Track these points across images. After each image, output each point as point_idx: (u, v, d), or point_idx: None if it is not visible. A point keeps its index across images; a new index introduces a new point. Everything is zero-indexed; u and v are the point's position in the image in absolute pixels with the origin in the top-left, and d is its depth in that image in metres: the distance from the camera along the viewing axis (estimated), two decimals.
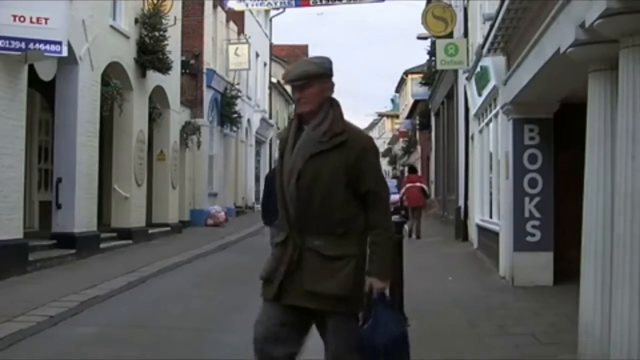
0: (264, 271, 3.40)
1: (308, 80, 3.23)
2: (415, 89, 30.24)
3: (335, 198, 3.20)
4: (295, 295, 3.25)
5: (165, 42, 16.01)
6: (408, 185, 17.97)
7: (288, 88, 42.94)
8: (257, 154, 32.94)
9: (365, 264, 3.28)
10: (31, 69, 10.80)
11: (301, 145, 3.25)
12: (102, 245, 13.29)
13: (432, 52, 20.27)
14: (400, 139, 43.82)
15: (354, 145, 3.23)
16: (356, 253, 3.24)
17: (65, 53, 10.78)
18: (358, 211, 3.26)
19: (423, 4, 21.14)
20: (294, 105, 3.44)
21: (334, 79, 3.36)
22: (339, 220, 3.21)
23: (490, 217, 12.15)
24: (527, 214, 9.20)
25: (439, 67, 16.42)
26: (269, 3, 20.66)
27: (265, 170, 29.21)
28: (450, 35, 16.22)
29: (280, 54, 42.87)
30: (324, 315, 3.28)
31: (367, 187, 3.25)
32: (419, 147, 34.52)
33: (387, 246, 3.32)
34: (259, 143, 32.18)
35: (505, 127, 9.74)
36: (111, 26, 14.16)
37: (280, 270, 3.28)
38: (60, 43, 10.55)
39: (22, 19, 10.10)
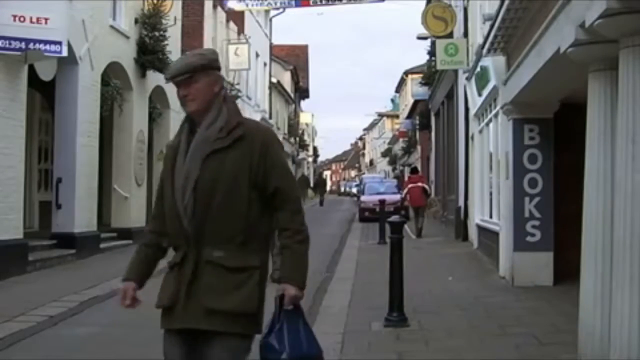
0: (163, 298, 2.93)
1: (192, 74, 2.88)
2: (415, 89, 30.22)
3: (237, 202, 2.83)
4: (192, 317, 2.83)
5: (165, 42, 16.01)
6: (410, 185, 18.64)
7: (288, 86, 43.06)
8: None
9: (266, 278, 2.94)
10: (31, 69, 10.81)
11: (195, 148, 2.87)
12: (102, 245, 13.30)
13: (432, 52, 20.27)
14: (400, 139, 43.83)
15: (254, 140, 2.88)
16: (258, 264, 2.89)
17: (65, 53, 10.80)
18: (262, 215, 2.89)
19: (423, 4, 21.14)
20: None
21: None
22: (240, 227, 2.83)
23: (490, 217, 12.15)
24: (527, 214, 9.20)
25: (439, 67, 16.42)
26: (269, 3, 20.66)
27: None
28: (450, 35, 16.22)
29: (280, 54, 42.91)
30: (212, 337, 2.83)
31: (274, 185, 2.89)
32: (419, 147, 34.52)
33: (300, 250, 2.92)
34: None
35: (505, 127, 9.74)
36: (111, 26, 14.17)
37: (182, 292, 2.85)
38: (60, 43, 10.57)
39: (22, 19, 10.11)
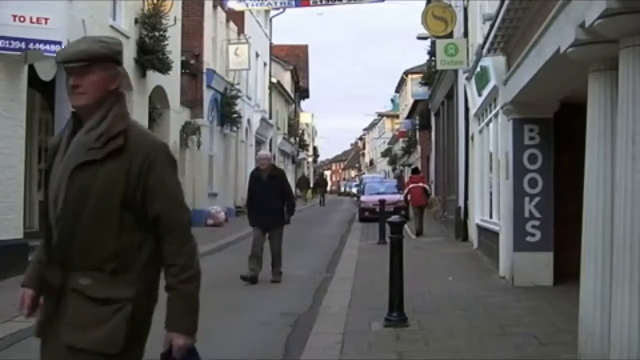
0: (37, 324, 2.57)
1: (88, 63, 2.46)
2: (415, 89, 30.23)
3: (108, 224, 2.43)
4: (54, 353, 2.47)
5: (165, 42, 16.02)
6: (411, 185, 18.92)
7: (288, 86, 43.06)
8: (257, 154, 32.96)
9: (148, 312, 2.54)
10: (31, 69, 10.81)
11: (69, 155, 2.49)
12: None
13: (432, 52, 20.28)
14: (400, 139, 43.84)
15: (137, 152, 2.46)
16: (131, 296, 2.44)
17: None
18: (141, 241, 2.48)
19: (423, 4, 21.14)
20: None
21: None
22: (111, 252, 2.43)
23: (490, 217, 12.15)
24: (527, 214, 9.19)
25: (439, 67, 16.42)
26: (269, 3, 20.69)
27: None
28: (450, 35, 16.22)
29: (280, 54, 42.94)
30: None
31: (155, 211, 2.47)
32: (419, 147, 34.52)
33: (187, 290, 2.51)
34: (259, 143, 32.25)
35: (505, 127, 9.74)
36: (111, 26, 14.16)
37: (45, 322, 2.52)
38: (60, 43, 10.54)
39: (22, 19, 10.11)
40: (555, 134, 9.19)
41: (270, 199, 10.17)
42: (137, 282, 2.47)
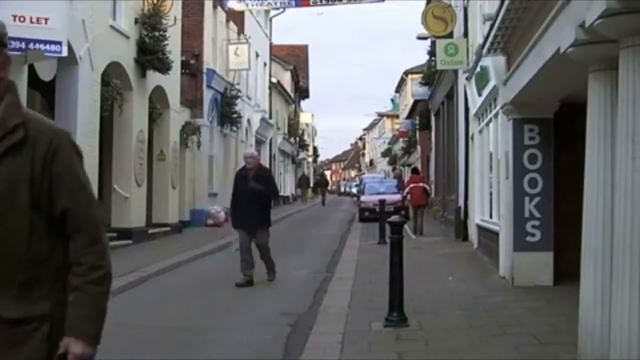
0: None
1: None
2: (415, 89, 30.23)
3: (15, 230, 2.10)
4: None
5: (165, 42, 16.03)
6: (411, 185, 18.91)
7: (288, 86, 43.06)
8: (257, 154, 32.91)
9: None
10: (31, 69, 10.81)
11: None
12: None
13: (432, 52, 20.28)
14: (400, 139, 43.85)
15: (39, 142, 2.13)
16: (47, 312, 2.13)
17: (65, 53, 10.80)
18: (54, 246, 2.16)
19: (423, 3, 21.14)
20: None
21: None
22: (21, 263, 2.10)
23: (490, 217, 12.14)
24: (527, 214, 9.20)
25: (439, 67, 16.42)
26: (269, 3, 20.71)
27: None
28: (450, 35, 16.22)
29: (280, 54, 42.94)
30: None
31: (62, 205, 2.14)
32: (419, 147, 34.52)
33: (94, 292, 2.17)
34: (259, 143, 32.25)
35: (505, 127, 9.74)
36: (111, 26, 14.18)
37: None
38: (60, 43, 10.57)
39: (22, 19, 10.12)
40: (555, 134, 9.19)
41: (256, 199, 9.98)
42: (51, 294, 2.15)
